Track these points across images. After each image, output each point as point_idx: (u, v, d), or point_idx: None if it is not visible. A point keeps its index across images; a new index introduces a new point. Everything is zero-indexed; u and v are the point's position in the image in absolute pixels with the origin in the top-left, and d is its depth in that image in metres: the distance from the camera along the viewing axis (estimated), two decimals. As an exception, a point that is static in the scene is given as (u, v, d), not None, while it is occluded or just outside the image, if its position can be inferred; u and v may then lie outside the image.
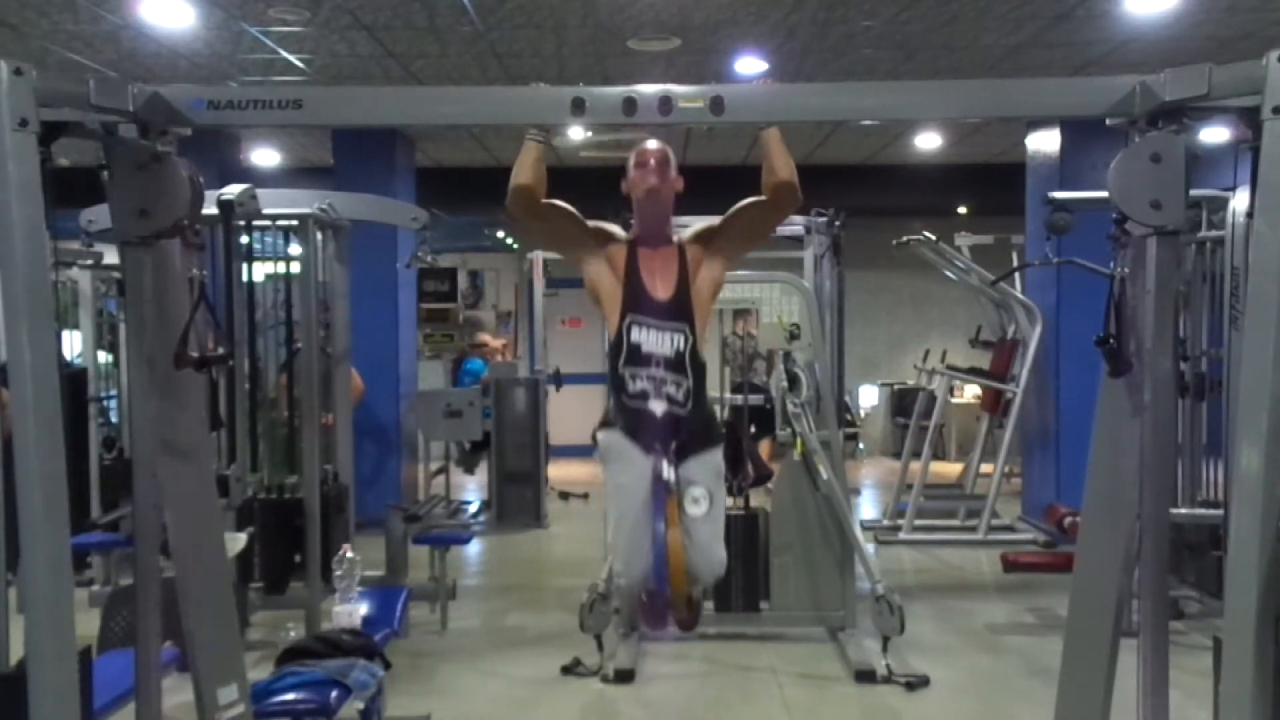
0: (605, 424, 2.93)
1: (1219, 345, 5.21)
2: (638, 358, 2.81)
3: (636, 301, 2.85)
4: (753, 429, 6.41)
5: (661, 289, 2.86)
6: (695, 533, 2.75)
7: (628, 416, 2.83)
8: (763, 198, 2.89)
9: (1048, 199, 4.89)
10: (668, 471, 2.72)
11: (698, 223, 2.99)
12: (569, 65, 6.65)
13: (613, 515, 2.87)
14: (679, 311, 2.84)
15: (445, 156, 9.92)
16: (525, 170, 2.81)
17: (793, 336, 5.77)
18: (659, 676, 4.87)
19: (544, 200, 2.86)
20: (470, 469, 9.57)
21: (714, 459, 2.88)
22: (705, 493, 2.79)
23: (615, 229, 2.99)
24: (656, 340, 2.82)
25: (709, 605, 4.93)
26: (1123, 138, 2.35)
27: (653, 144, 2.95)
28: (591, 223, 2.96)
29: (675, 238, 2.94)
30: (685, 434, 2.79)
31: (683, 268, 2.88)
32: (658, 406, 2.79)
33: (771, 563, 5.27)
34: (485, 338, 10.59)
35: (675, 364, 2.80)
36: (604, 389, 2.94)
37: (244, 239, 5.20)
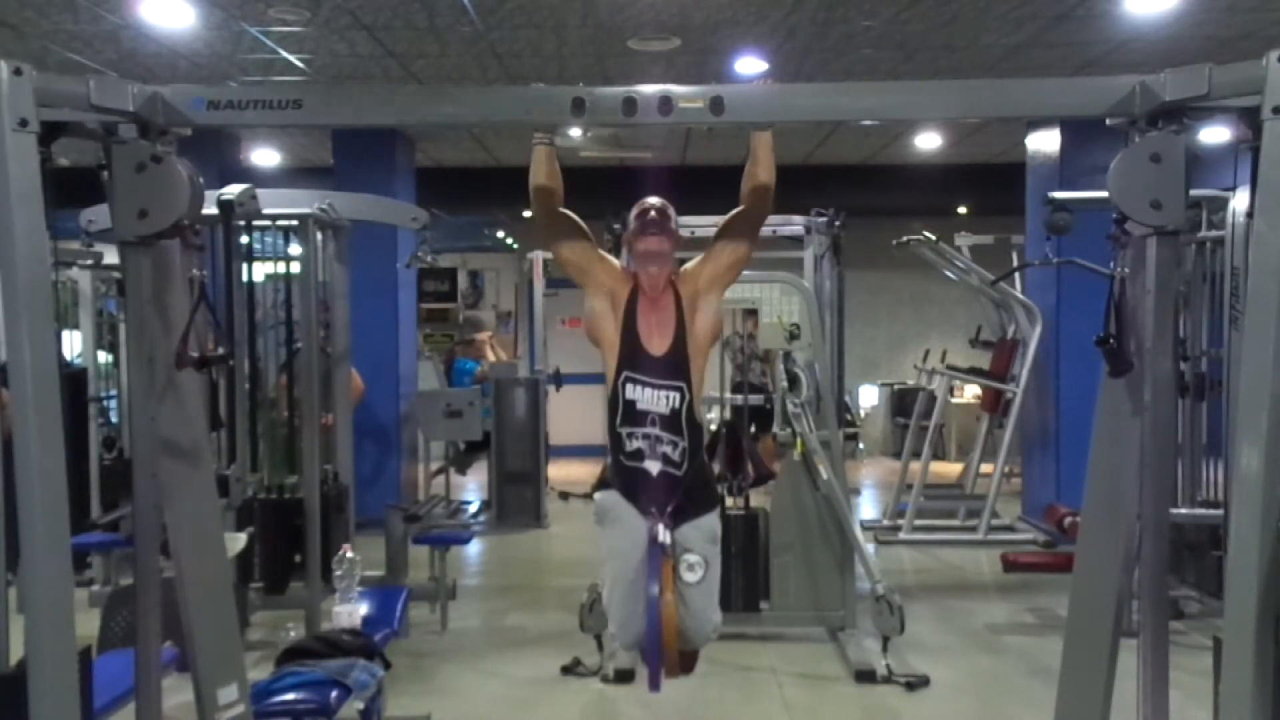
0: (602, 484, 2.94)
1: (1219, 345, 5.21)
2: (633, 416, 2.81)
3: (633, 358, 2.84)
4: (752, 428, 6.41)
5: (658, 343, 2.85)
6: (690, 599, 2.78)
7: (624, 477, 2.84)
8: (738, 211, 2.91)
9: (1048, 199, 4.89)
10: (663, 535, 2.74)
11: (689, 263, 2.98)
12: (569, 65, 6.65)
13: (608, 577, 2.89)
14: (676, 369, 2.83)
15: (445, 156, 9.92)
16: (540, 172, 2.82)
17: (793, 336, 5.77)
18: (659, 676, 4.87)
19: (562, 210, 2.87)
20: (463, 469, 9.56)
21: (710, 523, 2.88)
22: (701, 560, 2.80)
23: (620, 266, 2.99)
24: (652, 399, 2.81)
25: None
26: (1123, 138, 2.35)
27: (654, 200, 2.97)
28: (601, 254, 2.96)
29: (669, 278, 2.92)
30: (682, 496, 2.80)
31: (679, 315, 2.87)
32: (653, 466, 2.80)
33: (771, 563, 5.27)
34: (473, 335, 10.57)
35: (671, 423, 2.80)
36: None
37: (244, 239, 5.20)
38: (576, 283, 2.96)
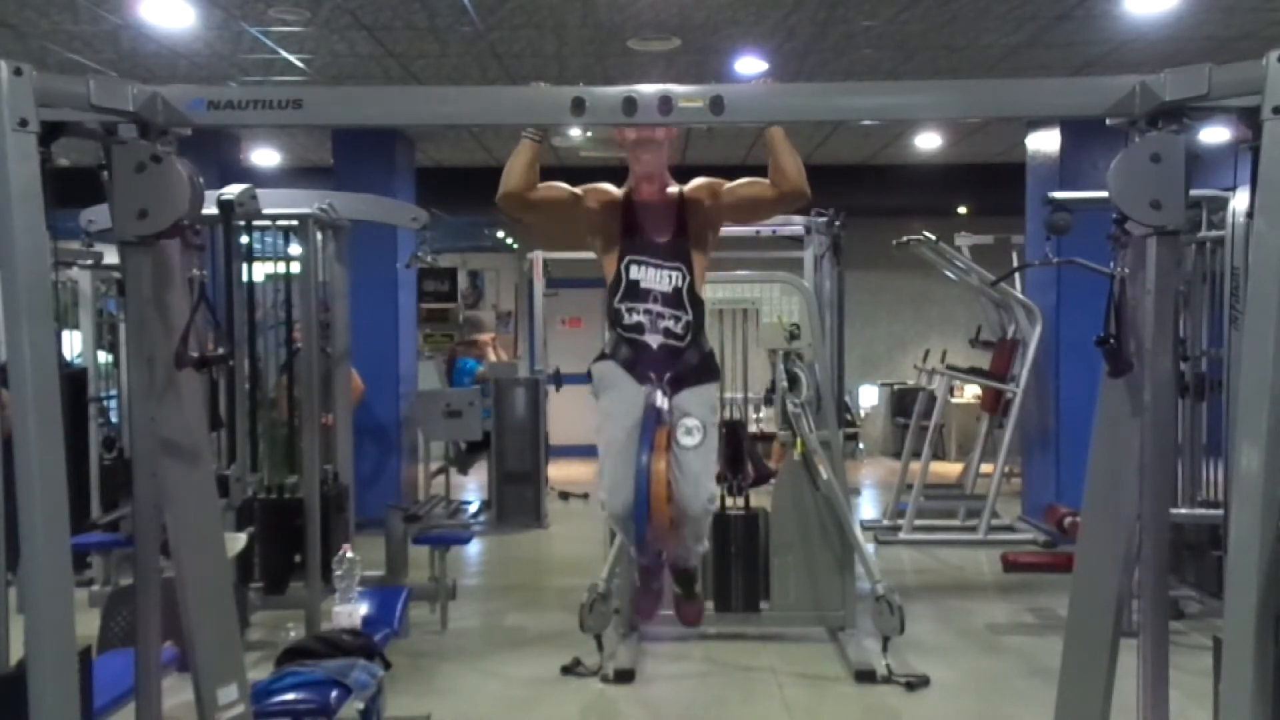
0: (601, 356, 2.92)
1: (1219, 345, 5.21)
2: (635, 293, 2.82)
3: (634, 242, 2.85)
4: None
5: (660, 232, 2.87)
6: (686, 464, 2.74)
7: (623, 348, 2.83)
8: (770, 187, 2.89)
9: (1048, 199, 4.89)
10: (661, 400, 2.73)
11: (697, 180, 2.98)
12: (569, 65, 6.65)
13: (601, 442, 2.85)
14: (677, 252, 2.85)
15: (445, 156, 9.92)
16: (515, 174, 2.81)
17: (793, 336, 5.77)
18: (659, 676, 4.87)
19: (534, 194, 2.85)
20: (464, 469, 9.57)
21: (709, 393, 2.89)
22: (699, 424, 2.78)
23: (609, 185, 2.98)
24: (655, 277, 2.83)
25: (709, 605, 4.93)
26: (1123, 138, 2.34)
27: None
28: (582, 186, 2.96)
29: (675, 188, 2.93)
30: (682, 366, 2.79)
31: (680, 214, 2.89)
32: (654, 339, 2.80)
33: (771, 563, 5.27)
34: (476, 335, 10.57)
35: (673, 299, 2.81)
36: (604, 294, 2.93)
37: (244, 239, 5.20)
38: (573, 229, 2.94)
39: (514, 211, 2.88)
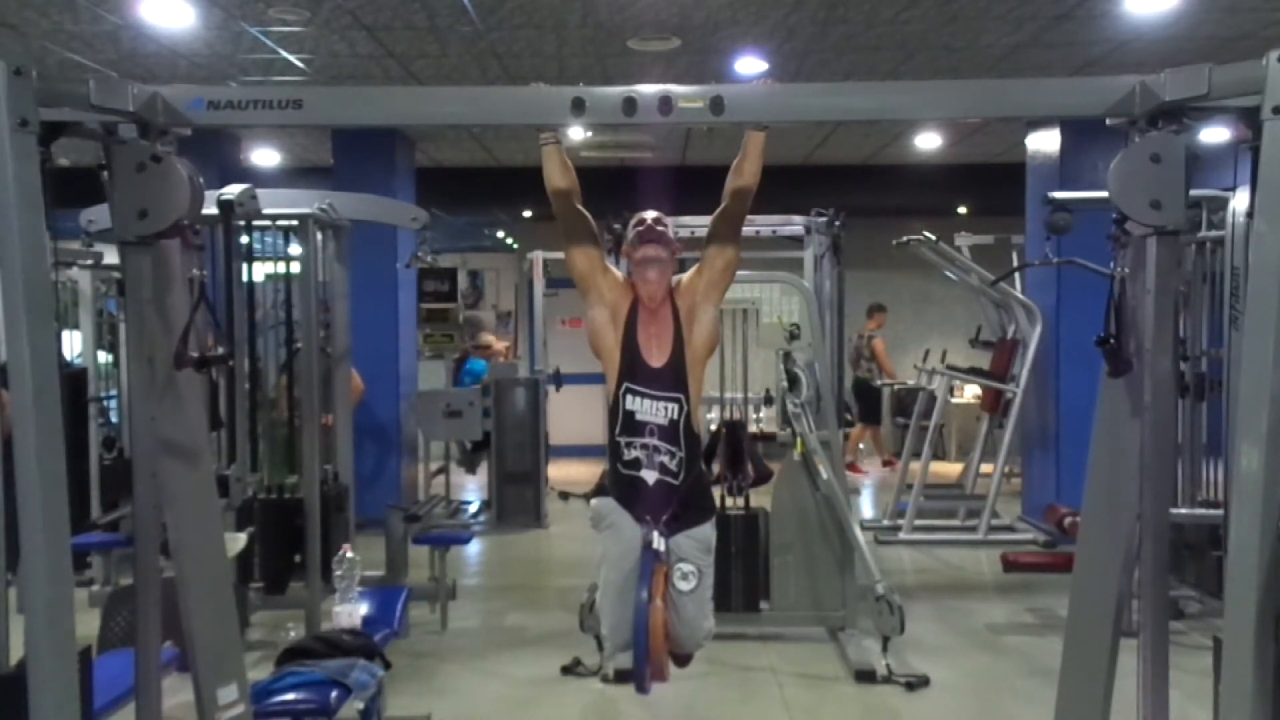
0: (600, 491, 2.98)
1: (1219, 345, 5.21)
2: (633, 426, 2.85)
3: (633, 369, 2.88)
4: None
5: (657, 355, 2.88)
6: (682, 608, 2.82)
7: (621, 485, 2.88)
8: (720, 212, 2.93)
9: (1048, 199, 4.88)
10: (658, 541, 2.78)
11: (684, 275, 3.01)
12: (569, 65, 6.65)
13: (600, 581, 2.93)
14: (674, 380, 2.87)
15: (445, 156, 9.92)
16: (554, 177, 2.85)
17: (793, 336, 5.77)
18: (659, 676, 4.87)
19: (580, 209, 2.90)
20: (472, 469, 9.58)
21: (705, 533, 2.92)
22: (695, 569, 2.85)
23: (622, 279, 3.01)
24: (652, 409, 2.85)
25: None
26: (1123, 138, 2.35)
27: (651, 213, 3.01)
28: (606, 265, 3.00)
29: (668, 289, 2.95)
30: (677, 504, 2.83)
31: (677, 327, 2.90)
32: (650, 476, 2.83)
33: (771, 563, 5.27)
34: (489, 339, 10.60)
35: (670, 434, 2.84)
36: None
37: (244, 239, 5.20)
38: (579, 288, 2.98)
39: (561, 209, 2.91)
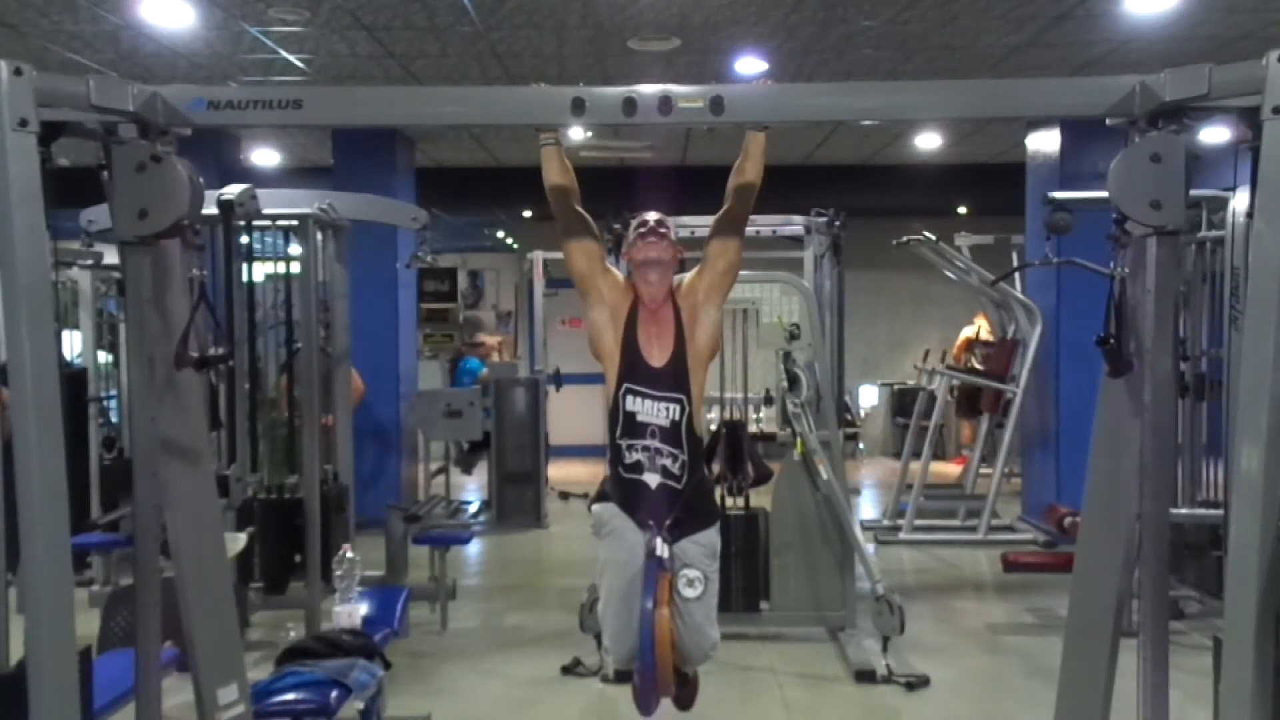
0: (601, 496, 2.92)
1: (1219, 345, 5.21)
2: (634, 428, 2.79)
3: (633, 370, 2.83)
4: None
5: (658, 355, 2.84)
6: (688, 615, 2.75)
7: (622, 489, 2.82)
8: (723, 213, 2.92)
9: (1048, 199, 4.89)
10: (661, 548, 2.71)
11: (686, 276, 2.99)
12: (569, 65, 6.65)
13: (602, 589, 2.86)
14: (675, 381, 2.81)
15: (445, 156, 9.92)
16: (553, 175, 2.84)
17: (793, 336, 5.76)
18: (659, 676, 4.86)
19: (579, 210, 2.89)
20: (468, 469, 9.58)
21: (710, 538, 2.86)
22: (700, 576, 2.77)
23: (622, 280, 2.99)
24: (653, 410, 2.79)
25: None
26: (1123, 138, 2.35)
27: (653, 215, 2.99)
28: (606, 266, 2.98)
29: (669, 291, 2.92)
30: (681, 509, 2.77)
31: (679, 328, 2.86)
32: (652, 479, 2.77)
33: (771, 563, 5.27)
34: (483, 337, 10.61)
35: (671, 435, 2.78)
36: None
37: (244, 239, 5.20)
38: (579, 289, 2.96)
39: (559, 208, 2.89)
